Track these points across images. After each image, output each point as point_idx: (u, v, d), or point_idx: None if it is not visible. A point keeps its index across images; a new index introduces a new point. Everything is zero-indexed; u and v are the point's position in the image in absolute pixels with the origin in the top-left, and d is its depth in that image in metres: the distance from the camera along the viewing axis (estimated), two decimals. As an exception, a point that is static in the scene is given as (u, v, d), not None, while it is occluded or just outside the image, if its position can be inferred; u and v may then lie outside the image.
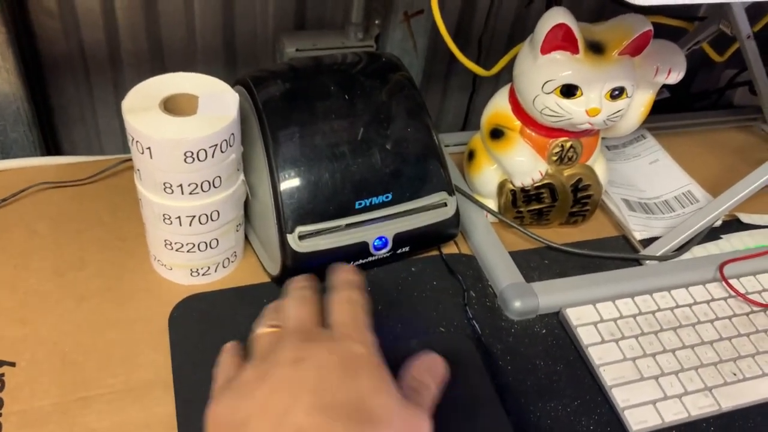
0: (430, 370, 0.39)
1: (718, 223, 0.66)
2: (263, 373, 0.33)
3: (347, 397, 0.32)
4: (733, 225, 0.68)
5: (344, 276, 0.41)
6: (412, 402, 0.35)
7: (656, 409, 0.51)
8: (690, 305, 0.59)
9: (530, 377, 0.52)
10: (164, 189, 0.48)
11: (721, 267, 0.61)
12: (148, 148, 0.47)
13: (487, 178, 0.63)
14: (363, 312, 0.38)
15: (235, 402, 0.32)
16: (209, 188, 0.49)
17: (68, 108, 0.81)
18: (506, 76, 0.72)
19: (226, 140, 0.48)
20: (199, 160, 0.47)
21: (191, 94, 0.49)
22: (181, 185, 0.48)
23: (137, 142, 0.47)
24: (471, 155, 0.65)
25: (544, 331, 0.56)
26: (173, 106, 0.49)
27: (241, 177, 0.53)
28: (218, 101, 0.48)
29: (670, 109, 0.83)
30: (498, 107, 0.61)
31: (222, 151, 0.48)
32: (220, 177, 0.49)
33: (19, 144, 0.71)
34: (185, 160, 0.47)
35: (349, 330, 0.37)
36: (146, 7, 0.74)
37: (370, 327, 0.38)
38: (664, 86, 0.60)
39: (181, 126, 0.47)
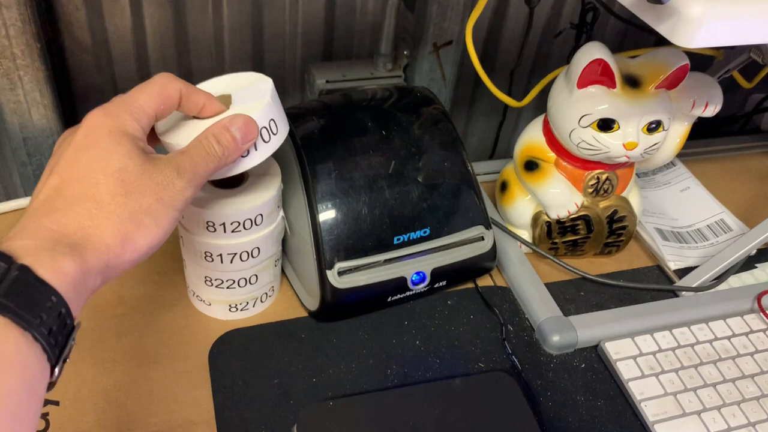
0: (222, 133, 0.41)
1: (753, 251, 0.65)
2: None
3: (81, 170, 0.36)
4: (767, 253, 0.68)
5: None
6: (162, 160, 0.38)
7: (701, 446, 0.50)
8: (728, 337, 0.58)
9: (571, 413, 0.52)
10: (207, 228, 0.49)
11: (758, 298, 0.61)
12: None
13: (520, 209, 0.63)
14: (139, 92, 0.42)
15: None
16: (251, 226, 0.49)
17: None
18: (532, 101, 0.72)
19: None
20: None
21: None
22: (224, 224, 0.48)
23: None
24: (504, 186, 0.65)
25: (583, 365, 0.55)
26: None
27: (281, 213, 0.53)
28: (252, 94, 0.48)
29: (696, 134, 0.82)
30: (532, 139, 0.61)
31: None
32: (261, 215, 0.50)
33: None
34: None
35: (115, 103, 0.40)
36: (177, 36, 0.75)
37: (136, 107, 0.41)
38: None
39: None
